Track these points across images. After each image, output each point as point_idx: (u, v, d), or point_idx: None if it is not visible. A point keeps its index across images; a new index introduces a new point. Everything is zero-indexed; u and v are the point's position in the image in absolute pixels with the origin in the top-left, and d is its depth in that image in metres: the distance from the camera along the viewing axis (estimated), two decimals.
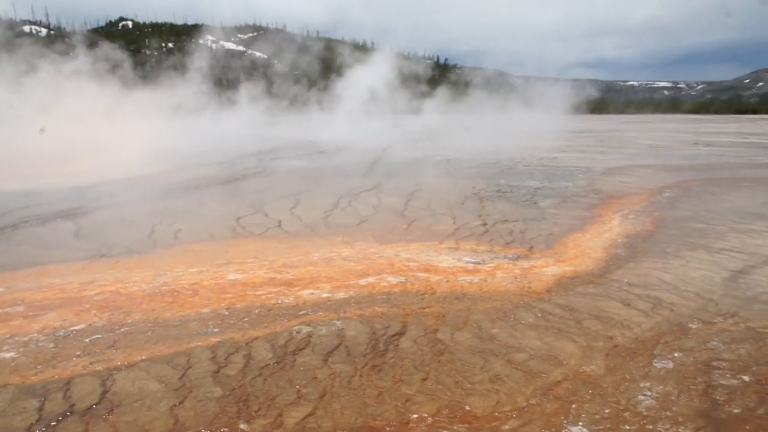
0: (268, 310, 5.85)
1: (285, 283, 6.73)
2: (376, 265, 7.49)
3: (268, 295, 6.29)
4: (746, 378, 4.58)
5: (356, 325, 5.51)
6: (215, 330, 5.37)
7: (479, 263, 7.64)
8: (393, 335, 5.29)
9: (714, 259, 8.07)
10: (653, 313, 5.93)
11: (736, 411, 4.13)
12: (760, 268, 7.64)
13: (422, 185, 14.62)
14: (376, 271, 7.18)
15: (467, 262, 7.65)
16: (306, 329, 5.38)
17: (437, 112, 53.68)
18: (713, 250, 8.57)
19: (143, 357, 4.83)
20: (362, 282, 6.77)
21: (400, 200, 12.36)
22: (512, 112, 55.12)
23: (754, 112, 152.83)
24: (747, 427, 3.94)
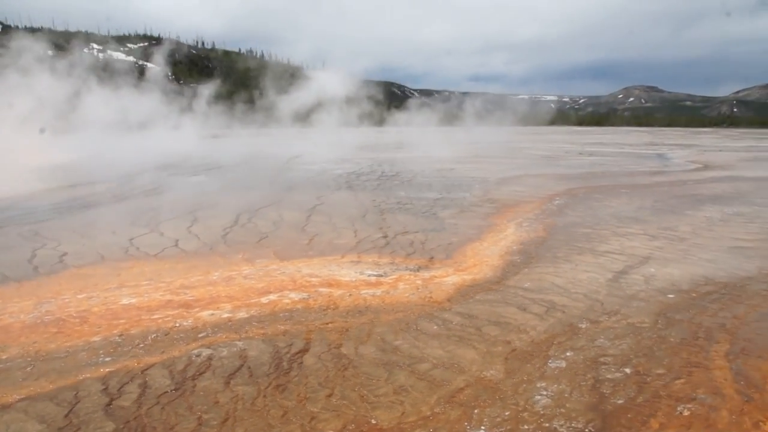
0: (166, 334, 5.58)
1: (183, 304, 6.45)
2: (278, 282, 7.36)
3: (165, 319, 5.99)
4: (628, 370, 4.92)
5: (258, 344, 5.37)
6: (107, 359, 5.04)
7: (381, 276, 7.71)
8: (297, 353, 5.21)
9: (599, 261, 8.63)
10: (547, 316, 6.23)
11: (620, 402, 4.42)
12: (637, 267, 8.27)
13: (323, 199, 14.58)
14: (278, 288, 7.06)
15: (369, 275, 7.70)
16: (206, 352, 5.18)
17: (341, 125, 53.90)
18: (598, 253, 9.17)
19: (21, 396, 4.43)
20: (264, 300, 6.62)
21: (301, 215, 12.25)
22: (412, 125, 56.40)
23: (628, 124, 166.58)
24: (629, 416, 4.23)
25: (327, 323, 5.94)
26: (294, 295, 6.80)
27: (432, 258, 8.76)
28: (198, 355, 5.11)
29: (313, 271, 7.92)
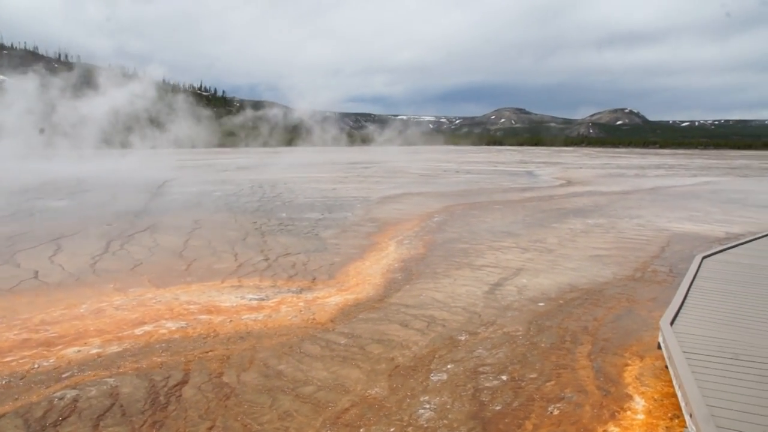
0: (21, 378, 5.08)
1: (43, 343, 5.92)
2: (154, 311, 6.98)
3: (21, 361, 5.46)
4: (504, 377, 5.18)
5: (132, 380, 5.04)
6: None
7: (263, 299, 7.56)
8: (175, 385, 4.96)
9: (476, 275, 9.04)
10: (428, 331, 6.42)
11: (498, 408, 4.64)
12: (510, 279, 8.76)
13: (202, 222, 14.07)
14: (154, 318, 6.69)
15: (251, 300, 7.52)
16: (71, 393, 4.78)
17: (219, 147, 52.43)
18: (475, 267, 9.60)
19: None
20: (138, 331, 6.25)
21: (178, 239, 11.73)
22: (294, 146, 56.07)
23: (500, 143, 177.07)
24: (506, 420, 4.45)
25: (207, 352, 5.72)
26: (171, 325, 6.48)
27: (314, 279, 8.73)
28: (61, 398, 4.71)
29: (192, 297, 7.59)
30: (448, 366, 5.44)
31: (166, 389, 4.89)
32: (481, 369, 5.37)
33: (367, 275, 8.96)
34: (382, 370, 5.33)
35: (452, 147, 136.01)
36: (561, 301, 7.63)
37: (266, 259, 10.02)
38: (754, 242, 10.34)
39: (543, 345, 6.05)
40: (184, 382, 5.02)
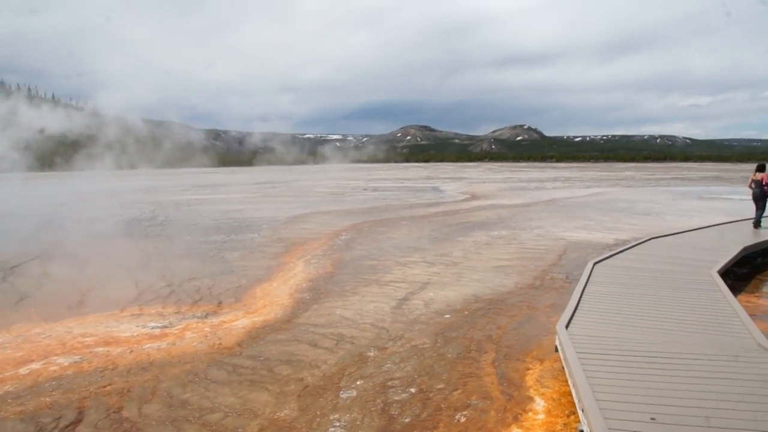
0: None
1: None
2: (42, 347, 6.51)
3: None
4: (413, 390, 5.26)
5: (15, 425, 4.66)
6: None
7: (167, 327, 7.26)
8: (67, 426, 4.64)
9: (384, 291, 9.14)
10: (337, 349, 6.41)
11: (407, 420, 4.70)
12: (417, 293, 8.93)
13: (100, 249, 13.33)
14: (42, 355, 6.24)
15: (153, 328, 7.20)
16: None
17: (117, 169, 49.96)
18: (383, 283, 9.71)
19: None
20: (23, 371, 5.80)
21: (71, 269, 11.04)
22: (200, 166, 54.49)
23: (407, 160, 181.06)
24: (415, 431, 4.52)
25: (104, 386, 5.40)
26: (63, 360, 6.07)
27: (221, 303, 8.49)
28: None
29: (88, 329, 7.16)
30: (358, 382, 5.45)
31: (56, 431, 4.57)
32: (390, 383, 5.42)
33: (274, 296, 8.83)
34: (292, 391, 5.26)
35: (360, 165, 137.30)
36: (466, 312, 7.86)
37: (169, 285, 9.64)
38: (638, 246, 11.12)
39: (450, 355, 6.19)
40: (77, 421, 4.71)
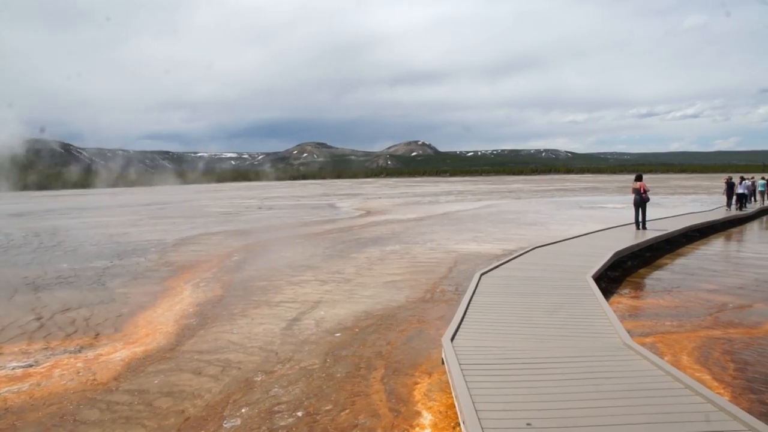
0: None
1: None
2: None
3: None
4: (300, 413, 5.14)
5: None
6: None
7: (31, 366, 6.65)
8: None
9: (274, 312, 8.94)
10: (223, 376, 6.16)
11: None
12: (308, 313, 8.81)
13: None
14: None
15: (14, 368, 6.56)
16: None
17: None
18: (273, 303, 9.50)
19: None
20: None
21: None
22: (81, 188, 51.07)
23: (304, 177, 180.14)
24: None
25: None
26: None
27: (98, 334, 7.93)
28: None
29: None
30: (243, 410, 5.25)
31: None
32: (276, 408, 5.27)
33: (158, 324, 8.37)
34: (171, 425, 4.97)
35: (256, 183, 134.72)
36: (357, 330, 7.84)
37: (38, 319, 8.87)
38: (524, 256, 11.67)
39: (339, 375, 6.14)
40: None
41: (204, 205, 42.13)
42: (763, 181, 30.99)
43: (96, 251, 16.72)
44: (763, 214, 27.14)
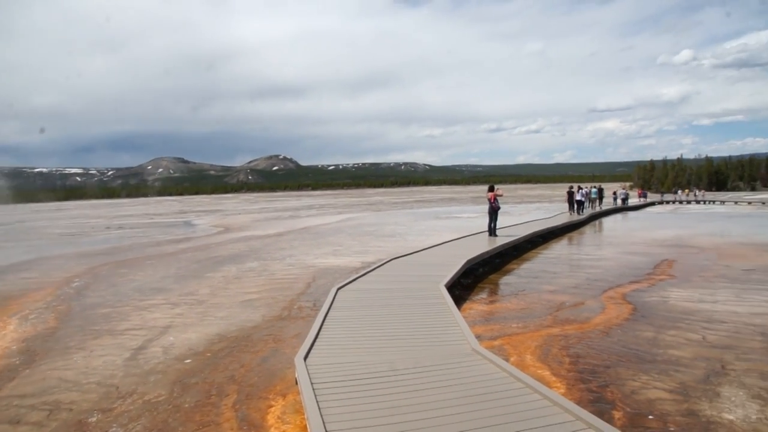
0: None
1: None
2: None
3: None
4: None
5: None
6: None
7: None
8: None
9: (117, 341, 8.19)
10: (49, 421, 5.46)
11: None
12: (156, 340, 8.18)
13: None
14: None
15: None
16: None
17: None
18: (117, 332, 8.72)
19: None
20: None
21: None
22: None
23: (159, 194, 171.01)
24: None
25: None
26: None
27: None
28: None
29: None
30: None
31: None
32: None
33: None
34: None
35: (105, 201, 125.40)
36: (209, 354, 7.40)
37: None
38: (381, 268, 11.79)
39: (187, 405, 5.71)
40: None
41: (42, 226, 38.30)
42: (595, 190, 35.43)
43: None
44: (594, 219, 30.32)
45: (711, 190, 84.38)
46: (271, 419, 5.28)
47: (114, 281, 13.69)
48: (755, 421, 4.94)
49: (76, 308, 10.66)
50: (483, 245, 15.21)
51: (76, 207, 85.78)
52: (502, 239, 16.37)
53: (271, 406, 5.59)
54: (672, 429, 4.84)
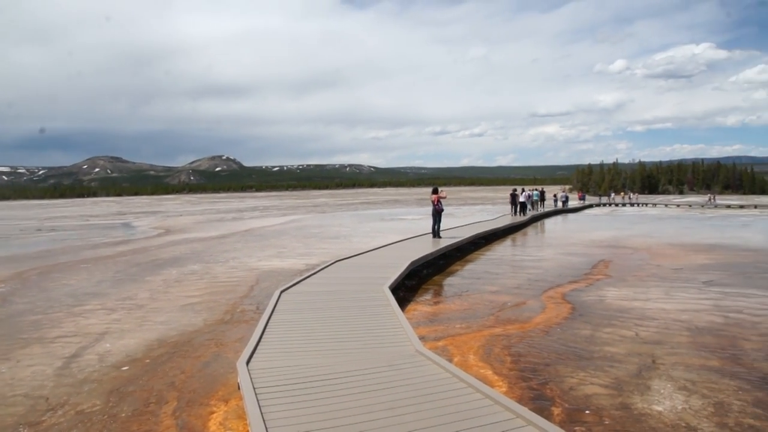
0: None
1: None
2: None
3: None
4: None
5: None
6: None
7: None
8: None
9: (48, 350, 7.80)
10: None
11: None
12: (91, 347, 7.84)
13: None
14: None
15: None
16: None
17: None
18: (47, 340, 8.30)
19: None
20: None
21: None
22: None
23: (95, 195, 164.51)
24: None
25: None
26: None
27: None
28: None
29: None
30: None
31: None
32: None
33: None
34: None
35: (35, 202, 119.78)
36: (147, 360, 7.15)
37: None
38: (324, 270, 11.71)
39: (124, 414, 5.48)
40: None
41: None
42: (537, 192, 36.53)
43: None
44: (536, 221, 31.16)
45: (644, 193, 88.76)
46: (212, 426, 5.14)
47: (45, 286, 13.06)
48: (680, 411, 5.20)
49: (1, 316, 10.11)
50: (427, 247, 15.34)
51: (3, 207, 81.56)
52: (446, 241, 16.56)
53: (213, 413, 5.45)
54: (607, 422, 5.00)
